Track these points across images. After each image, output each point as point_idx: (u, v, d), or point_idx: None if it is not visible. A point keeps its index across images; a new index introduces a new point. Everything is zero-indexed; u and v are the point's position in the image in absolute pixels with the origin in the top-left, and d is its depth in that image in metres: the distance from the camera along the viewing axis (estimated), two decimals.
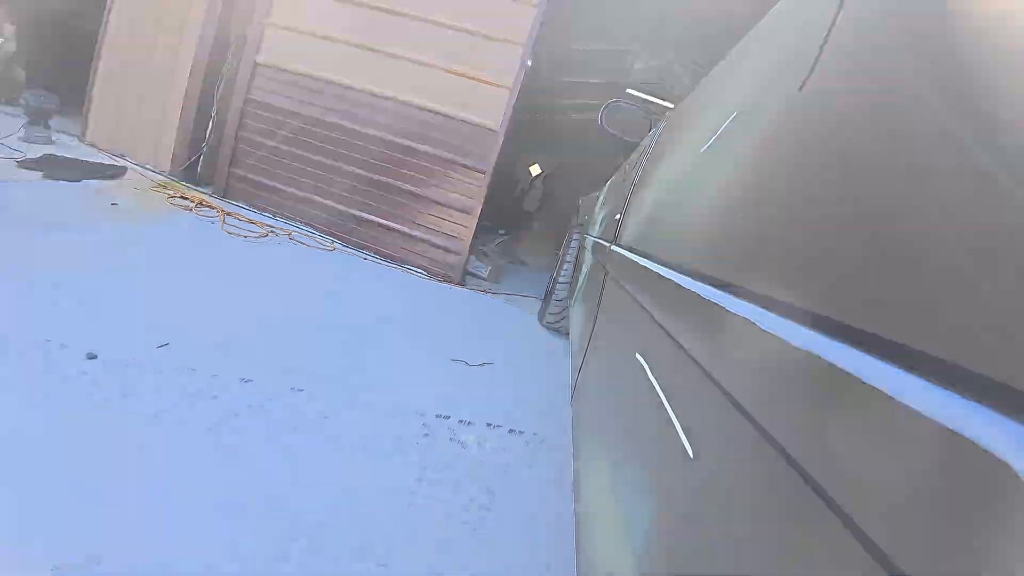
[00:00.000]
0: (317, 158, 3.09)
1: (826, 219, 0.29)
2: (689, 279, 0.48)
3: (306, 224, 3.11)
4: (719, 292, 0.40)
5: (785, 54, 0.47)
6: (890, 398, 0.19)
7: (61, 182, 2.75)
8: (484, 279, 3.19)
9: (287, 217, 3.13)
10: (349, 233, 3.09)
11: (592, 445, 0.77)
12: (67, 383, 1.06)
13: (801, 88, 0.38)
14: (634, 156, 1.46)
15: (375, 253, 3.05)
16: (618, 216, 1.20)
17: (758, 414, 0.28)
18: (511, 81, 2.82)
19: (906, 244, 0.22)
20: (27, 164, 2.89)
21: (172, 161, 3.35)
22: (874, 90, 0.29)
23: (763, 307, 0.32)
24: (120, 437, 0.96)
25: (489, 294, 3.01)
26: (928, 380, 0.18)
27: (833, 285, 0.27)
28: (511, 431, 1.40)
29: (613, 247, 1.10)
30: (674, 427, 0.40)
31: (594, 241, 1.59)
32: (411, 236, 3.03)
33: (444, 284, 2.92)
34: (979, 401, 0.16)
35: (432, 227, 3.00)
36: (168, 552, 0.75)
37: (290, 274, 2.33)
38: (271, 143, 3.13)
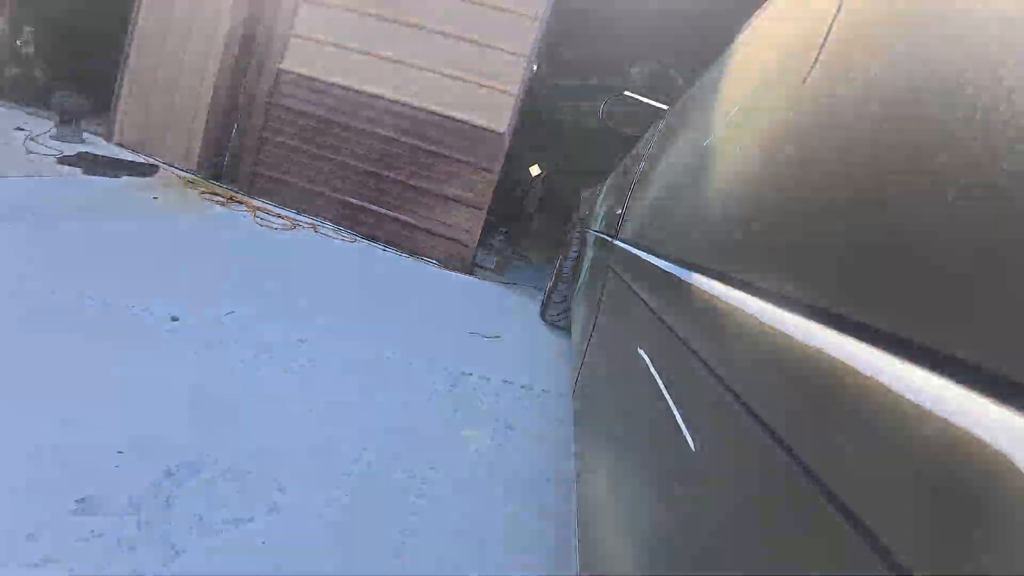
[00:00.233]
0: (335, 157, 3.33)
1: (828, 213, 0.29)
2: (691, 273, 0.48)
3: (326, 219, 3.35)
4: (721, 286, 0.40)
5: (787, 47, 0.46)
6: (892, 392, 0.19)
7: (101, 178, 2.97)
8: (491, 270, 3.44)
9: (308, 212, 3.37)
10: (367, 227, 3.33)
11: (594, 439, 0.77)
12: (146, 344, 1.30)
13: (804, 81, 0.38)
14: (636, 150, 1.47)
15: (392, 245, 3.29)
16: (620, 211, 1.21)
17: (760, 408, 0.28)
18: (516, 88, 3.08)
19: (908, 238, 0.22)
20: (66, 161, 3.11)
21: (199, 160, 3.57)
22: (877, 82, 0.29)
23: (765, 301, 0.32)
24: (197, 373, 1.20)
25: (497, 283, 3.25)
26: (930, 373, 0.18)
27: (835, 279, 0.27)
28: (522, 386, 1.65)
29: (615, 242, 1.10)
30: (676, 421, 0.40)
31: (596, 236, 1.59)
32: (424, 229, 3.28)
33: (455, 273, 3.17)
34: (981, 394, 0.16)
35: (443, 221, 3.25)
36: (288, 442, 0.99)
37: (323, 260, 2.57)
38: (293, 143, 3.36)
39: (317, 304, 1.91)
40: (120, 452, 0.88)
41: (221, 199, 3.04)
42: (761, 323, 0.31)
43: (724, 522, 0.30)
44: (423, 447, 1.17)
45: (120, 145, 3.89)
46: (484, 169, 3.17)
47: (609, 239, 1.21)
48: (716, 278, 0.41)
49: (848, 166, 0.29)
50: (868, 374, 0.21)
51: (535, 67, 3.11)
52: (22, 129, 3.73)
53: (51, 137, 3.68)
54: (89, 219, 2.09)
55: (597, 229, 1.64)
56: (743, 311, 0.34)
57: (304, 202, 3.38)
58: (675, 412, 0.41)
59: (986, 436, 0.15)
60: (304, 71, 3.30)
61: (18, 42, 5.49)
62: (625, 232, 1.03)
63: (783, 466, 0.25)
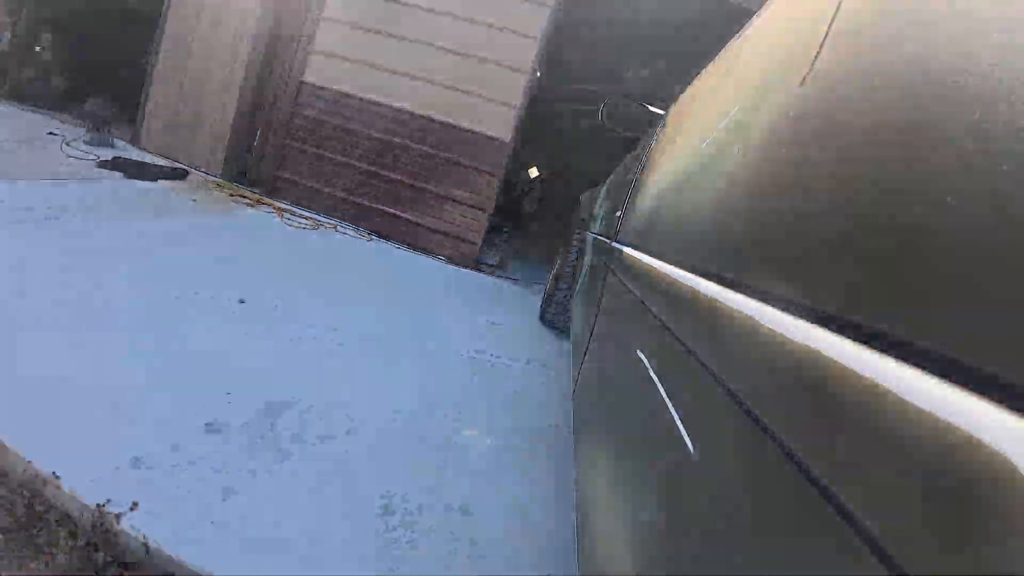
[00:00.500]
0: (352, 163, 3.63)
1: (827, 214, 0.29)
2: (690, 275, 0.48)
3: (344, 219, 3.64)
4: (720, 288, 0.39)
5: (786, 48, 0.46)
6: (892, 394, 0.19)
7: (140, 182, 3.25)
8: (494, 266, 3.73)
9: (327, 213, 3.66)
10: (380, 226, 3.62)
11: (593, 441, 0.77)
12: (224, 318, 1.59)
13: (802, 83, 0.38)
14: (635, 152, 1.47)
15: (403, 243, 3.58)
16: (619, 213, 1.21)
17: (759, 410, 0.28)
18: (517, 101, 3.38)
19: (908, 239, 0.22)
20: (105, 165, 3.38)
21: (224, 164, 3.86)
22: (875, 84, 0.29)
23: (763, 303, 0.32)
24: (264, 340, 1.49)
25: (499, 278, 3.55)
26: (930, 376, 0.18)
27: (835, 281, 0.27)
28: (528, 361, 1.95)
29: (614, 243, 1.10)
30: (675, 424, 0.40)
31: (595, 238, 1.60)
32: (433, 229, 3.57)
33: (461, 268, 3.47)
34: (981, 396, 0.16)
35: (451, 221, 3.54)
36: (341, 390, 1.29)
37: (347, 255, 2.86)
38: (312, 150, 3.65)
39: (348, 290, 2.20)
40: (228, 393, 1.18)
41: (249, 201, 3.32)
42: (760, 325, 0.31)
43: (723, 524, 0.30)
44: (450, 399, 1.47)
45: (146, 149, 4.16)
46: (488, 173, 3.47)
47: (608, 241, 1.21)
48: (715, 280, 0.41)
49: (846, 168, 0.29)
50: (867, 376, 0.21)
51: (538, 74, 3.42)
52: (54, 134, 3.99)
53: (84, 142, 3.94)
54: (145, 218, 2.37)
55: (596, 231, 1.65)
56: (742, 313, 0.34)
57: (323, 204, 3.67)
58: (674, 415, 0.41)
59: (986, 438, 0.15)
60: (323, 84, 3.59)
61: (37, 48, 5.74)
62: (624, 234, 1.03)
63: (782, 469, 0.24)
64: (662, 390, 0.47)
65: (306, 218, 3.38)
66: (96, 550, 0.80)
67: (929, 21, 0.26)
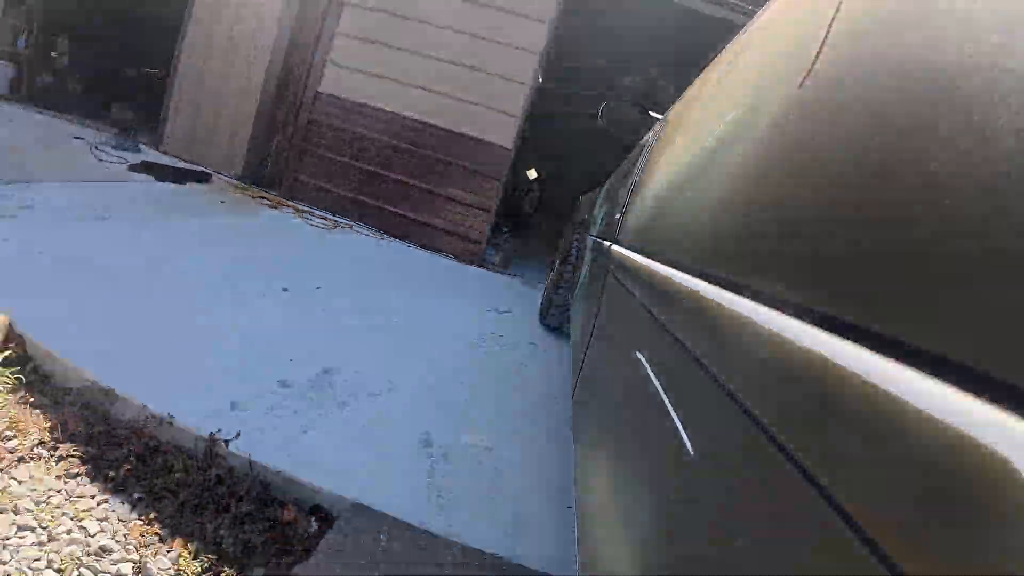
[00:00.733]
0: (365, 167, 3.89)
1: (825, 216, 0.29)
2: (689, 277, 0.48)
3: (357, 219, 3.90)
4: (719, 290, 0.40)
5: (784, 51, 0.47)
6: (891, 395, 0.19)
7: (170, 184, 3.49)
8: (496, 264, 4.00)
9: (342, 214, 3.92)
10: (392, 226, 3.88)
11: (593, 443, 0.78)
12: (273, 303, 1.86)
13: (800, 85, 0.39)
14: (633, 154, 1.48)
15: (413, 241, 3.85)
16: (618, 215, 1.22)
17: (759, 412, 0.28)
18: (519, 111, 3.66)
19: (907, 241, 0.22)
20: (136, 169, 3.63)
21: (243, 167, 4.11)
22: (873, 86, 0.29)
23: (762, 304, 0.32)
24: (311, 320, 1.76)
25: (502, 274, 3.82)
26: (931, 378, 0.18)
27: (833, 282, 0.27)
28: (531, 344, 2.22)
29: (613, 246, 1.11)
30: (675, 425, 0.41)
31: (594, 240, 1.60)
32: (441, 228, 3.84)
33: (467, 265, 3.73)
34: (981, 398, 0.16)
35: (457, 221, 3.81)
36: (368, 360, 1.55)
37: (365, 251, 3.13)
38: (328, 155, 3.92)
39: (372, 281, 2.47)
40: (291, 360, 1.44)
41: (270, 203, 3.58)
42: (759, 327, 0.31)
43: (723, 525, 0.30)
44: (467, 367, 1.73)
45: (168, 153, 4.41)
46: (491, 177, 3.74)
47: (607, 243, 1.22)
48: (714, 282, 0.42)
49: (845, 169, 0.29)
50: (867, 377, 0.21)
51: (539, 79, 3.70)
52: (80, 138, 4.23)
53: (110, 146, 4.19)
54: (185, 218, 2.63)
55: (595, 233, 1.67)
56: (741, 315, 0.34)
57: (338, 204, 3.93)
58: (674, 416, 0.42)
59: (985, 439, 0.15)
60: (338, 93, 3.85)
61: (53, 53, 5.97)
62: (623, 236, 1.04)
63: (782, 470, 0.25)
64: (661, 392, 0.47)
65: (324, 218, 3.64)
66: (208, 468, 1.06)
67: (927, 23, 0.27)
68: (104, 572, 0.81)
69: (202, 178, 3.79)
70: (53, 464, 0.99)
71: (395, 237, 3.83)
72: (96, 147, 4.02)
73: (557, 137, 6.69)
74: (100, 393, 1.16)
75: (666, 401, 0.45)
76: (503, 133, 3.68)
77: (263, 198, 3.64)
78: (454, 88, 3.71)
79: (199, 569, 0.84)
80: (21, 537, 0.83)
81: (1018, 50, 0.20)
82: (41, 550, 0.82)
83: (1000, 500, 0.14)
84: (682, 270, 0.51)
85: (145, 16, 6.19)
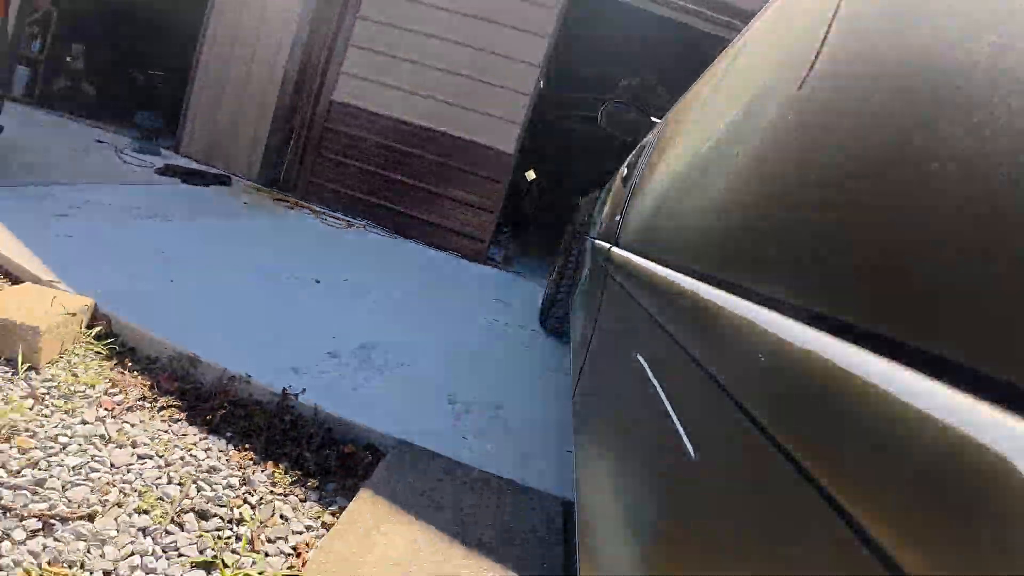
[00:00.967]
0: (376, 170, 4.15)
1: (825, 218, 0.29)
2: (690, 279, 0.48)
3: (369, 219, 4.16)
4: (719, 292, 0.40)
5: (783, 52, 0.47)
6: (892, 397, 0.19)
7: (196, 187, 3.74)
8: (499, 261, 4.27)
9: (355, 215, 4.17)
10: (402, 226, 4.14)
11: (593, 445, 0.78)
12: (310, 291, 2.11)
13: (800, 87, 0.39)
14: (632, 157, 1.47)
15: (422, 240, 4.11)
16: (618, 217, 1.22)
17: (760, 414, 0.28)
18: (521, 119, 3.93)
19: (906, 242, 0.22)
20: (163, 172, 3.87)
21: (260, 171, 4.36)
22: (873, 88, 0.29)
23: (762, 306, 0.32)
24: (343, 306, 2.01)
25: (505, 271, 4.08)
26: (931, 378, 0.18)
27: (833, 284, 0.27)
28: (533, 330, 2.48)
29: (613, 248, 1.10)
30: (675, 427, 0.41)
31: (594, 242, 1.59)
32: (447, 228, 4.10)
33: (472, 263, 4.00)
34: (983, 399, 0.16)
35: (463, 222, 4.08)
36: (389, 334, 1.81)
37: (380, 248, 3.38)
38: (342, 159, 4.17)
39: (391, 274, 2.73)
40: (334, 337, 1.70)
41: (288, 204, 3.83)
42: (759, 329, 0.31)
43: (724, 527, 0.30)
44: (480, 345, 1.99)
45: (187, 156, 4.65)
46: (495, 180, 4.01)
47: (607, 245, 1.22)
48: (715, 284, 0.42)
49: (844, 171, 0.29)
50: (867, 379, 0.21)
51: (541, 84, 3.97)
52: (102, 141, 4.46)
53: (133, 150, 4.42)
54: (218, 218, 2.88)
55: (595, 235, 1.67)
56: (741, 317, 0.34)
57: (351, 206, 4.19)
58: (674, 418, 0.42)
59: (985, 439, 0.15)
60: (351, 102, 4.11)
61: (68, 58, 6.19)
62: (623, 238, 1.03)
63: (783, 472, 0.25)
64: (662, 394, 0.47)
65: (339, 219, 3.89)
66: (283, 416, 1.31)
67: (926, 26, 0.27)
68: (216, 483, 1.06)
69: (223, 180, 4.03)
70: (156, 413, 1.24)
71: (405, 236, 4.09)
72: (120, 151, 4.26)
73: (557, 139, 6.93)
74: (185, 360, 1.42)
75: (667, 404, 0.45)
76: (506, 139, 3.95)
77: (281, 200, 3.89)
78: (460, 97, 3.98)
79: (289, 481, 1.10)
80: (143, 463, 1.09)
81: (1018, 51, 0.20)
82: (161, 471, 1.07)
83: (1001, 501, 0.14)
84: (683, 272, 0.52)
85: (158, 22, 6.42)
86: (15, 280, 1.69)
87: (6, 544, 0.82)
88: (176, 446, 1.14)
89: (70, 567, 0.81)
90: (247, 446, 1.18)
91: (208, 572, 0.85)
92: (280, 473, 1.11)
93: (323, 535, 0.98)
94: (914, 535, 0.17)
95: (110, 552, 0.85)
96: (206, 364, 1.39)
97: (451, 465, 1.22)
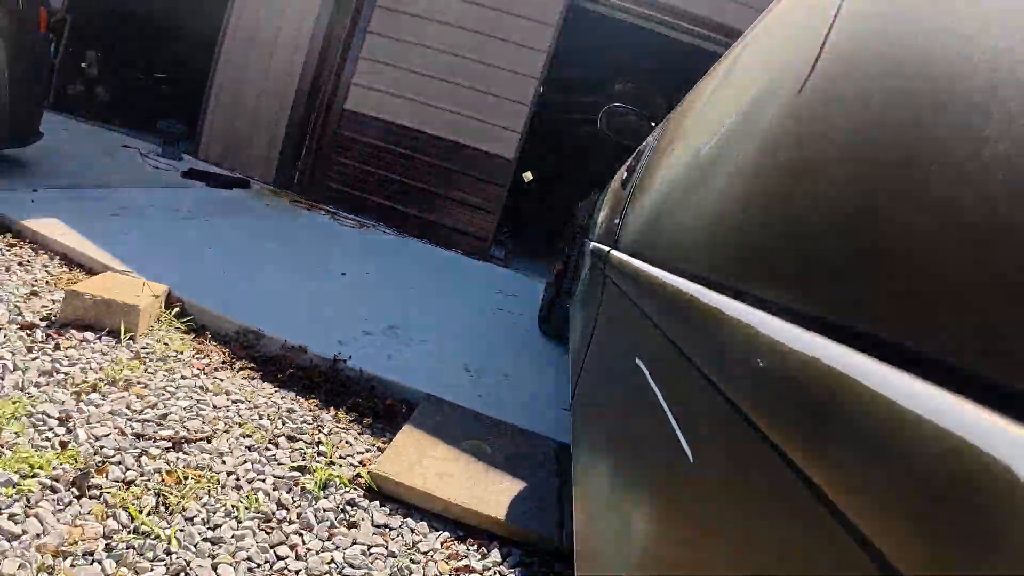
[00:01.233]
0: (386, 175, 4.47)
1: (824, 222, 0.30)
2: (689, 283, 0.48)
3: (379, 220, 4.48)
4: (719, 296, 0.40)
5: (784, 56, 0.47)
6: (891, 401, 0.19)
7: (220, 189, 4.04)
8: (501, 259, 4.60)
9: (365, 215, 4.50)
10: (409, 226, 4.47)
11: (592, 449, 0.78)
12: (338, 283, 2.43)
13: (800, 91, 0.39)
14: (631, 160, 1.47)
15: (429, 239, 4.44)
16: (617, 220, 1.21)
17: (759, 418, 0.28)
18: (520, 127, 4.27)
19: (907, 246, 0.22)
20: (189, 175, 4.17)
21: (276, 174, 4.67)
22: (873, 92, 0.29)
23: (763, 311, 0.32)
24: (369, 294, 2.34)
25: (505, 267, 4.42)
26: (929, 383, 0.18)
27: (833, 288, 0.27)
28: (532, 317, 2.82)
29: (612, 251, 1.10)
30: (674, 431, 0.41)
31: (593, 245, 1.59)
32: (452, 228, 4.44)
33: (476, 260, 4.33)
34: (980, 404, 0.16)
35: (467, 222, 4.41)
36: (424, 320, 2.13)
37: (391, 247, 3.70)
38: (354, 164, 4.50)
39: (406, 268, 3.05)
40: (366, 319, 2.02)
41: (304, 206, 4.15)
42: (759, 333, 0.31)
43: (722, 532, 0.30)
44: (487, 327, 2.32)
45: (206, 160, 4.94)
46: (497, 184, 4.35)
47: (606, 248, 1.21)
48: (715, 288, 0.42)
49: (843, 175, 0.29)
50: (866, 383, 0.21)
51: (540, 88, 4.30)
52: (127, 146, 4.75)
53: (156, 155, 4.72)
54: (249, 218, 3.20)
55: (594, 238, 1.67)
56: (741, 321, 0.34)
57: (363, 208, 4.51)
58: (673, 423, 0.42)
59: (984, 444, 0.15)
60: (362, 111, 4.44)
61: (83, 64, 6.46)
62: (622, 241, 1.03)
63: (782, 477, 0.25)
64: (661, 398, 0.47)
65: (352, 219, 4.21)
66: (329, 379, 1.63)
67: (925, 31, 0.27)
68: (295, 420, 1.38)
69: (242, 183, 4.34)
70: (236, 373, 1.56)
71: (413, 236, 4.42)
72: (145, 155, 4.55)
73: (556, 142, 7.22)
74: (251, 334, 1.74)
75: (666, 408, 0.45)
76: (507, 146, 4.29)
77: (298, 202, 4.20)
78: (464, 107, 4.31)
79: (348, 420, 1.42)
80: (237, 406, 1.40)
81: (1017, 56, 0.20)
82: (252, 411, 1.39)
83: (1000, 506, 0.14)
84: (683, 276, 0.52)
85: (168, 28, 6.70)
86: (88, 270, 2.01)
87: (145, 458, 1.14)
88: (259, 395, 1.47)
89: (201, 470, 1.13)
90: (312, 397, 1.50)
91: (302, 473, 1.18)
92: (341, 415, 1.44)
93: (379, 456, 1.31)
94: (913, 540, 0.17)
95: (229, 461, 1.17)
96: (269, 337, 1.72)
97: (469, 412, 1.55)
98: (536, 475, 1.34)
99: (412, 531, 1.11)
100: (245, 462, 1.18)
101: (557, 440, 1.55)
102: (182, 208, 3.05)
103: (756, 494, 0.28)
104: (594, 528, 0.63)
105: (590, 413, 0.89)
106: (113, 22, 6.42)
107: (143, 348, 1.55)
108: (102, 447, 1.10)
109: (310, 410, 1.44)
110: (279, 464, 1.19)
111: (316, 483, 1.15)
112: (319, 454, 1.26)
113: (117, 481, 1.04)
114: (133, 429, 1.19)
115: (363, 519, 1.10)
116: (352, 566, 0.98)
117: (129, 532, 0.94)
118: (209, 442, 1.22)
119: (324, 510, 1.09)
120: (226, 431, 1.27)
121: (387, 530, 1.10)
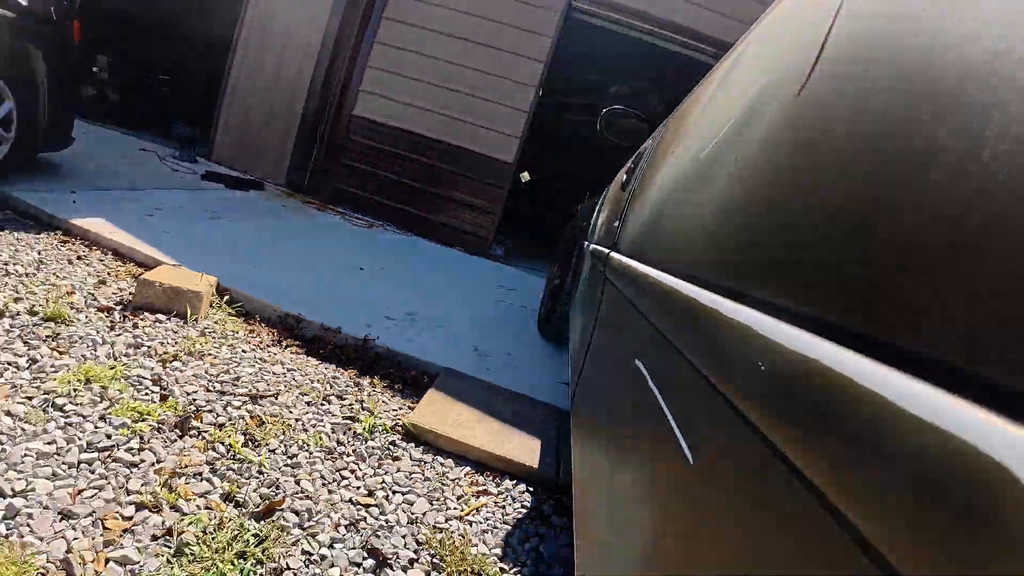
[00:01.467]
0: (393, 177, 4.77)
1: (823, 224, 0.30)
2: (689, 285, 0.48)
3: (387, 220, 4.77)
4: (719, 298, 0.40)
5: (783, 58, 0.48)
6: (890, 403, 0.19)
7: (236, 191, 4.30)
8: (501, 256, 4.91)
9: (373, 216, 4.79)
10: (414, 225, 4.77)
11: (592, 451, 0.79)
12: (357, 276, 2.73)
13: (798, 94, 0.39)
14: (631, 162, 1.47)
15: (432, 238, 4.74)
16: (616, 222, 1.22)
17: (758, 420, 0.28)
18: (519, 132, 4.58)
19: (906, 248, 0.22)
20: (207, 178, 4.43)
21: (288, 177, 4.94)
22: (872, 95, 0.30)
23: (763, 312, 0.32)
24: (386, 286, 2.63)
25: (505, 264, 4.73)
26: (930, 386, 0.18)
27: (832, 289, 0.27)
28: (532, 309, 3.13)
29: (612, 253, 1.10)
30: (674, 434, 0.41)
31: (593, 247, 1.59)
32: (453, 227, 4.74)
33: (478, 257, 4.64)
34: (980, 404, 0.16)
35: (468, 221, 4.72)
36: (437, 308, 2.43)
37: (399, 245, 4.00)
38: (362, 167, 4.78)
39: (416, 264, 3.35)
40: (387, 307, 2.32)
41: (316, 206, 4.43)
42: (759, 335, 0.31)
43: (723, 535, 0.31)
44: (493, 315, 2.63)
45: (219, 163, 5.20)
46: (497, 186, 4.66)
47: (606, 250, 1.22)
48: (715, 290, 0.42)
49: (842, 178, 0.29)
50: (867, 385, 0.21)
51: (540, 92, 4.62)
52: (144, 150, 4.99)
53: (173, 157, 4.97)
54: (266, 217, 3.48)
55: (594, 240, 1.67)
56: (741, 323, 0.34)
57: (370, 208, 4.80)
58: (673, 425, 0.42)
59: (983, 445, 0.15)
60: (370, 116, 4.73)
61: (94, 68, 6.68)
62: (622, 243, 1.04)
63: (781, 479, 0.25)
64: (661, 400, 0.47)
65: (361, 219, 4.51)
66: (361, 355, 1.93)
67: (924, 34, 0.27)
68: (340, 384, 1.68)
69: (257, 185, 4.61)
70: (283, 349, 1.86)
71: (418, 235, 4.72)
72: (163, 158, 4.80)
73: (554, 143, 7.45)
74: (291, 319, 2.03)
75: (666, 410, 0.45)
76: (507, 150, 4.60)
77: (310, 202, 4.48)
78: (466, 113, 4.62)
79: (382, 386, 1.73)
80: (291, 373, 1.70)
81: (1017, 56, 0.20)
82: (304, 376, 1.69)
83: (1000, 507, 0.14)
84: (683, 278, 0.52)
85: (176, 33, 6.93)
86: (140, 264, 2.29)
87: (230, 408, 1.43)
88: (307, 366, 1.76)
89: (275, 417, 1.43)
90: (350, 368, 1.80)
91: (352, 421, 1.48)
92: (376, 381, 1.74)
93: (410, 412, 1.61)
94: (913, 542, 0.17)
95: (294, 411, 1.47)
96: (308, 321, 2.01)
97: (481, 382, 1.86)
98: (539, 430, 1.65)
99: (442, 465, 1.42)
100: (307, 413, 1.48)
101: (555, 405, 1.86)
102: (208, 209, 3.32)
103: (756, 496, 0.28)
104: (594, 528, 0.64)
105: (589, 415, 0.90)
106: (123, 27, 6.63)
107: (206, 328, 1.84)
108: (194, 399, 1.40)
109: (350, 378, 1.74)
110: (333, 416, 1.49)
111: (364, 428, 1.45)
112: (363, 408, 1.56)
113: (211, 424, 1.33)
114: (215, 388, 1.49)
115: (403, 455, 1.40)
116: (399, 485, 1.28)
117: (228, 459, 1.24)
118: (277, 398, 1.51)
119: (372, 447, 1.40)
120: (287, 391, 1.56)
121: (423, 463, 1.40)
